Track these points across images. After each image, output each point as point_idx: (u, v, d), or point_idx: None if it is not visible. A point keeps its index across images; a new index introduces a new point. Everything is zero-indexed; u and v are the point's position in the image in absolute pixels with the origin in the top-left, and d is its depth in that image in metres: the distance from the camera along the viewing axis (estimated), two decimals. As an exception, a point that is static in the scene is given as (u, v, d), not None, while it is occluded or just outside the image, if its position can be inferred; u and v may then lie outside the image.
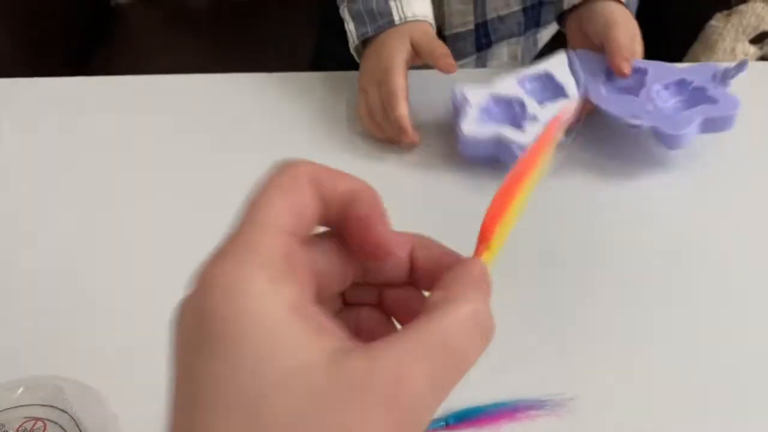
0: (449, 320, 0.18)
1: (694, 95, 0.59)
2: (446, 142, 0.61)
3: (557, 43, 0.83)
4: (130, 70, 0.76)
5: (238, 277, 0.17)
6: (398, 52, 0.61)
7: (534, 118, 0.57)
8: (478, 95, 0.58)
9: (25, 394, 0.42)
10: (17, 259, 0.55)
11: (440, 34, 0.77)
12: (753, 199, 0.58)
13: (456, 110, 0.59)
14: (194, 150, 0.64)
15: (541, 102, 0.58)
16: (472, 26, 0.78)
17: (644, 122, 0.56)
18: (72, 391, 0.42)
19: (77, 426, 0.41)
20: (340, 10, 0.68)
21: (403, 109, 0.58)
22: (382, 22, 0.63)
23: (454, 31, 0.78)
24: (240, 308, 0.17)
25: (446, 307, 0.19)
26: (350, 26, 0.65)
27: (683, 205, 0.57)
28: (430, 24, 0.64)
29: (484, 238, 0.22)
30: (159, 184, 0.60)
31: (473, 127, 0.57)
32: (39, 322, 0.50)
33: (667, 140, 0.56)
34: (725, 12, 0.91)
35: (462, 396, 0.43)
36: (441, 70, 0.60)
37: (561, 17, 0.68)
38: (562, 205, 0.57)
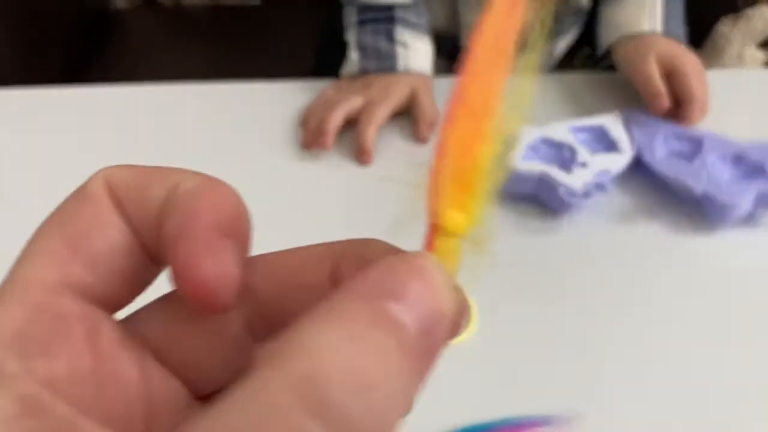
0: (245, 405, 0.10)
1: (751, 170, 0.57)
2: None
3: (572, 54, 0.83)
4: (129, 74, 0.75)
5: None
6: (399, 94, 0.65)
7: (584, 165, 0.56)
8: (528, 133, 0.58)
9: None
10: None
11: (455, 44, 0.77)
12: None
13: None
14: (191, 158, 0.63)
15: (593, 153, 0.57)
16: None
17: (696, 186, 0.54)
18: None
19: None
20: (346, 33, 0.69)
21: (373, 131, 0.62)
22: (386, 63, 0.66)
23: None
24: None
25: (253, 377, 0.10)
26: (353, 54, 0.67)
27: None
28: (430, 78, 0.67)
29: (432, 209, 0.13)
30: None
31: (519, 162, 0.56)
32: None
33: (716, 210, 0.55)
34: (732, 16, 0.90)
35: (468, 412, 0.42)
36: (418, 134, 0.64)
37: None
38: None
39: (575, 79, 0.71)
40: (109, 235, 0.13)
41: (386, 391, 0.10)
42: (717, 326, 0.49)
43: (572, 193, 0.54)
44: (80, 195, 0.13)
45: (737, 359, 0.47)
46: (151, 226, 0.13)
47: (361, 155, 0.62)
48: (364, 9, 0.68)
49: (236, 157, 0.62)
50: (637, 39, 0.66)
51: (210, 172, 0.59)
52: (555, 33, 0.80)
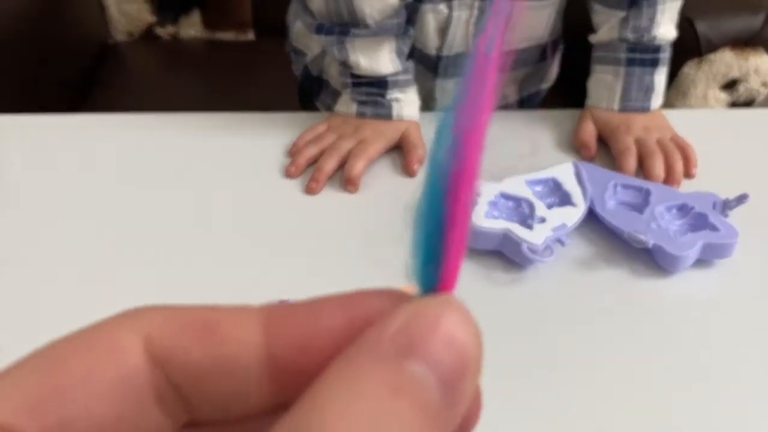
0: None
1: (696, 220, 0.60)
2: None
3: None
4: (128, 104, 0.79)
5: None
6: (391, 136, 0.70)
7: (542, 220, 0.59)
8: (488, 190, 0.60)
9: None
10: (30, 272, 0.57)
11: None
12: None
13: None
14: (182, 184, 0.67)
15: (549, 206, 0.61)
16: None
17: (648, 239, 0.57)
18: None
19: None
20: (341, 89, 0.74)
21: (362, 164, 0.67)
22: (381, 112, 0.71)
23: None
24: None
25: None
26: (352, 107, 0.72)
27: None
28: (418, 122, 0.73)
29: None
30: (151, 209, 0.64)
31: (483, 220, 0.58)
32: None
33: (666, 260, 0.58)
34: (696, 60, 0.97)
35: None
36: (407, 166, 0.69)
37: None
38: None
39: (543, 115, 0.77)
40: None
41: None
42: (680, 358, 0.52)
43: (534, 249, 0.56)
44: (108, 344, 0.12)
45: (693, 386, 0.51)
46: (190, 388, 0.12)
47: (347, 184, 0.66)
48: (357, 75, 0.72)
49: (225, 184, 0.67)
50: (590, 110, 0.74)
51: (200, 198, 0.64)
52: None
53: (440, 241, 0.12)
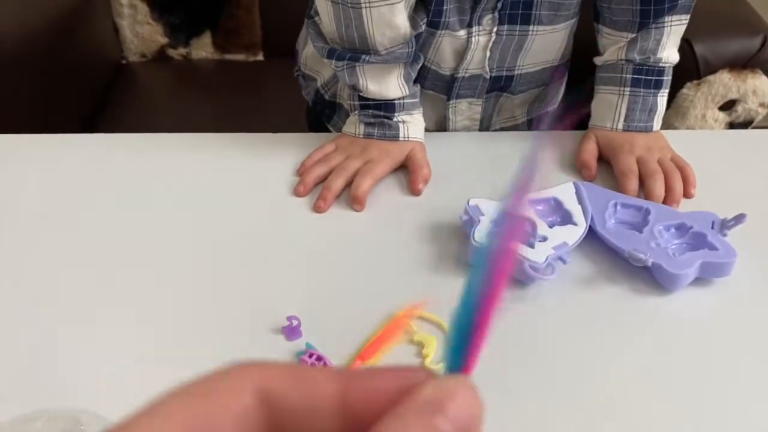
0: None
1: (694, 239, 0.61)
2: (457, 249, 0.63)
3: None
4: (141, 122, 0.81)
5: None
6: (398, 156, 0.72)
7: (544, 239, 0.60)
8: (491, 208, 0.61)
9: (44, 425, 0.45)
10: (34, 299, 0.59)
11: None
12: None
13: (470, 220, 0.61)
14: (192, 203, 0.68)
15: (551, 225, 0.62)
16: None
17: (648, 258, 0.58)
18: (88, 422, 0.46)
19: (93, 453, 0.44)
20: (350, 110, 0.76)
21: (368, 183, 0.69)
22: (389, 133, 0.73)
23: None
24: None
25: None
26: (360, 128, 0.74)
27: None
28: (423, 144, 0.75)
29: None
30: (160, 232, 0.65)
31: (484, 238, 0.59)
32: (58, 356, 0.54)
33: (665, 278, 0.59)
34: (695, 81, 0.99)
35: None
36: (412, 185, 0.70)
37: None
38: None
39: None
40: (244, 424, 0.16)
41: None
42: (678, 375, 0.54)
43: (536, 267, 0.58)
44: (220, 381, 0.17)
45: (692, 403, 0.52)
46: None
47: (354, 203, 0.68)
48: (365, 98, 0.73)
49: (235, 202, 0.68)
50: (593, 131, 0.76)
51: (210, 217, 0.65)
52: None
53: (468, 339, 0.18)
